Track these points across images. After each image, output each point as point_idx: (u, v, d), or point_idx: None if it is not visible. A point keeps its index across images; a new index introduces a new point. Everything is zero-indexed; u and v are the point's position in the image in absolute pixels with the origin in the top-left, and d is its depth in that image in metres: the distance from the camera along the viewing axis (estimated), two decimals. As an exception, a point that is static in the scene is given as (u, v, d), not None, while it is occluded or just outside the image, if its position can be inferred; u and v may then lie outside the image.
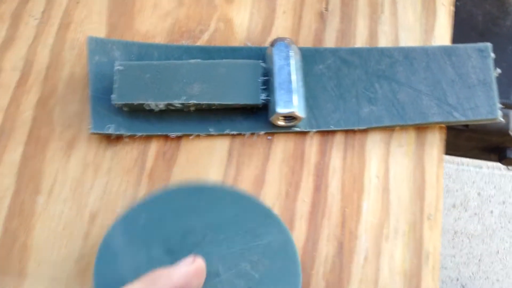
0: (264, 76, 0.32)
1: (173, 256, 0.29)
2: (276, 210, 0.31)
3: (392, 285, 0.29)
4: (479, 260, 1.14)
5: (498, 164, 1.19)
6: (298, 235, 0.30)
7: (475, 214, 1.17)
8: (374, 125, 0.31)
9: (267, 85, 0.32)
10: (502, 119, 0.30)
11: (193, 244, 0.29)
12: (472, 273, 1.13)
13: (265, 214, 0.30)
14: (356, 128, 0.32)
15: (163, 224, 0.30)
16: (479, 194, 1.19)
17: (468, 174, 1.22)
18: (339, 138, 0.33)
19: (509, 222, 1.17)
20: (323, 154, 0.32)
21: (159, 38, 0.36)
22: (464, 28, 0.35)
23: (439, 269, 0.28)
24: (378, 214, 0.30)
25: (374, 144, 0.32)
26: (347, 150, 0.32)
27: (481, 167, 1.21)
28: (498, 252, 1.14)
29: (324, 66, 0.33)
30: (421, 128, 0.32)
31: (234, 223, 0.30)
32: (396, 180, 0.31)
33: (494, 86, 0.31)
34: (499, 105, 0.31)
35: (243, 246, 0.29)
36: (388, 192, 0.31)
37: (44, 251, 0.31)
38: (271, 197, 0.31)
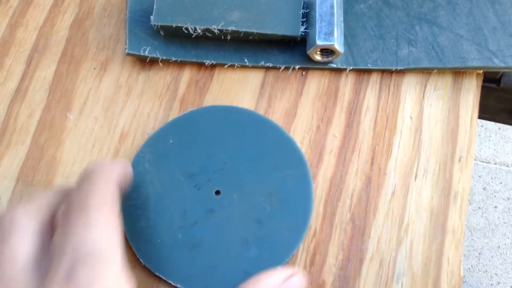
0: (305, 9, 0.32)
1: (193, 180, 0.30)
2: (306, 144, 0.31)
3: (418, 221, 0.29)
4: (480, 254, 1.14)
5: (506, 160, 1.19)
6: (327, 168, 0.30)
7: (479, 208, 1.18)
8: (412, 66, 0.31)
9: (307, 18, 0.32)
10: (542, 68, 0.30)
11: (213, 170, 0.30)
12: (472, 266, 1.14)
13: (290, 147, 0.31)
14: (393, 68, 0.32)
15: (188, 147, 0.31)
16: (484, 188, 1.19)
17: (475, 168, 1.22)
18: (375, 78, 0.32)
19: (512, 218, 1.17)
20: (358, 92, 0.32)
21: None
22: None
23: (467, 210, 0.28)
24: (408, 153, 0.30)
25: (410, 85, 0.32)
26: (382, 90, 0.32)
27: (488, 162, 1.21)
28: (499, 247, 1.15)
29: (365, 5, 0.33)
30: (458, 74, 0.32)
31: (257, 152, 0.31)
32: (430, 121, 0.31)
33: (537, 35, 0.31)
34: (540, 54, 0.30)
35: (260, 177, 0.30)
36: (421, 132, 0.31)
37: (72, 166, 0.32)
38: (301, 130, 0.31)
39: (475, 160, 1.17)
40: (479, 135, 1.20)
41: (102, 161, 0.25)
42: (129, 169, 0.26)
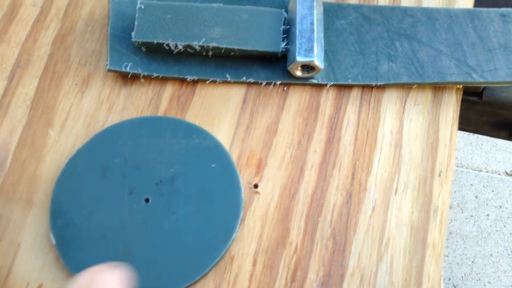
0: (286, 26, 0.32)
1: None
2: (287, 159, 0.31)
3: (399, 236, 0.29)
4: (472, 262, 1.14)
5: (497, 168, 1.19)
6: (308, 183, 0.30)
7: (471, 216, 1.18)
8: (392, 81, 0.32)
9: (288, 35, 0.32)
10: (520, 83, 0.30)
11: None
12: (464, 274, 1.14)
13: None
14: (374, 83, 0.32)
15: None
16: (476, 196, 1.20)
17: (467, 176, 1.22)
18: (355, 93, 0.33)
19: (504, 226, 1.17)
20: (338, 108, 0.32)
21: (182, -16, 0.36)
22: (486, 5, 0.35)
23: (447, 224, 0.28)
24: (389, 168, 0.30)
25: (390, 100, 0.32)
26: (362, 105, 0.32)
27: (480, 170, 1.21)
28: (491, 255, 1.15)
29: (345, 21, 0.33)
30: (438, 88, 0.32)
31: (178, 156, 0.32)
32: (410, 136, 0.31)
33: (515, 51, 0.31)
34: (518, 69, 0.31)
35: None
36: (401, 147, 0.31)
37: (53, 182, 0.31)
38: (283, 145, 0.32)
39: (466, 168, 1.17)
40: (470, 144, 1.20)
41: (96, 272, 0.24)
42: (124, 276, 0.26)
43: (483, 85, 0.32)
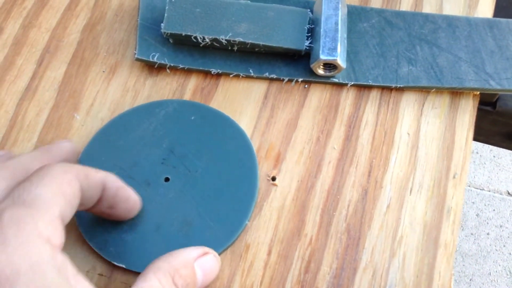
0: (310, 25, 0.33)
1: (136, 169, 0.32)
2: (305, 154, 0.32)
3: (411, 234, 0.30)
4: (470, 280, 1.14)
5: (499, 188, 1.20)
6: (325, 178, 0.31)
7: (472, 234, 1.18)
8: (411, 84, 0.32)
9: (312, 34, 0.33)
10: (536, 92, 0.31)
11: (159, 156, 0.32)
12: (462, 292, 1.14)
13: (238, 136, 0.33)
14: (393, 85, 0.33)
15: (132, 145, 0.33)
16: (477, 215, 1.20)
17: (468, 194, 1.23)
18: (375, 94, 0.33)
19: (504, 246, 1.17)
20: (357, 107, 0.33)
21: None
22: (505, 16, 0.36)
23: (459, 225, 0.29)
24: (404, 168, 0.31)
25: (408, 103, 0.33)
26: (381, 106, 0.33)
27: (482, 189, 1.22)
28: (490, 273, 1.15)
29: (368, 24, 0.34)
30: (455, 94, 0.33)
31: (205, 142, 0.33)
32: (426, 138, 0.32)
33: (532, 61, 0.32)
34: (534, 79, 0.31)
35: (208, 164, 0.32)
36: (417, 148, 0.32)
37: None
38: (302, 141, 0.32)
39: (469, 186, 1.18)
40: (474, 162, 1.21)
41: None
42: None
43: (499, 92, 0.33)
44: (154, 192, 0.31)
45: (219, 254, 0.30)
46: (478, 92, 0.34)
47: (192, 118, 0.33)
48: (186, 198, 0.31)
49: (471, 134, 0.33)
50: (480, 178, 1.18)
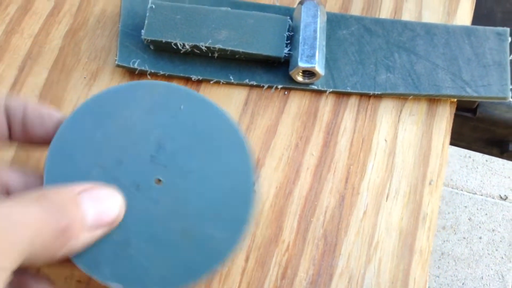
0: (290, 32, 0.33)
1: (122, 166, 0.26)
2: (284, 161, 0.32)
3: (387, 240, 0.30)
4: (463, 284, 1.15)
5: (492, 192, 1.20)
6: (303, 185, 0.31)
7: (464, 238, 1.18)
8: (389, 91, 0.33)
9: (291, 41, 0.33)
10: (511, 99, 0.32)
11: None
12: (454, 296, 1.14)
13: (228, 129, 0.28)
14: (371, 92, 0.33)
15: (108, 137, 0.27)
16: (469, 219, 1.20)
17: (461, 198, 1.23)
18: (353, 101, 0.34)
19: (496, 250, 1.17)
20: (336, 114, 0.33)
21: (192, -12, 0.37)
22: (483, 24, 0.36)
23: (435, 231, 0.29)
24: (381, 174, 0.31)
25: (386, 110, 0.33)
26: (359, 112, 0.33)
27: (474, 193, 1.22)
28: (482, 277, 1.15)
29: (347, 32, 0.34)
30: (433, 101, 0.34)
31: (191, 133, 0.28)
32: (403, 145, 0.32)
33: (508, 68, 0.32)
34: (510, 86, 0.32)
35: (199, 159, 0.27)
36: (394, 155, 0.32)
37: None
38: (280, 147, 0.33)
39: (461, 190, 1.18)
40: (466, 166, 1.21)
41: None
42: None
43: (476, 100, 0.33)
44: (145, 196, 0.26)
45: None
46: (455, 99, 0.34)
47: (182, 107, 0.28)
48: (182, 204, 0.26)
49: (447, 141, 0.33)
50: (472, 183, 1.18)
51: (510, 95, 0.32)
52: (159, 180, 0.26)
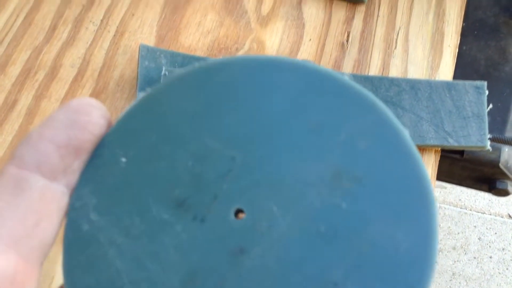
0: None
1: (187, 209, 0.16)
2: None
3: None
4: (475, 304, 1.15)
5: (501, 211, 1.22)
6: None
7: (475, 258, 1.20)
8: (378, 142, 0.36)
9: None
10: (490, 148, 0.35)
11: (215, 177, 0.16)
12: (466, 316, 1.15)
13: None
14: (363, 143, 0.36)
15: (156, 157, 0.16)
16: (479, 238, 1.22)
17: (470, 218, 1.24)
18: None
19: (507, 268, 1.18)
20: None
21: (200, 52, 0.42)
22: (467, 71, 0.40)
23: None
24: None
25: (377, 159, 0.37)
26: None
27: (483, 213, 1.24)
28: (493, 297, 1.16)
29: (340, 88, 0.38)
30: (419, 149, 0.37)
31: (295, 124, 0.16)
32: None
33: (486, 119, 0.36)
34: (488, 136, 0.35)
35: (310, 154, 0.16)
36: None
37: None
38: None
39: (470, 210, 1.20)
40: (473, 187, 1.23)
41: None
42: None
43: (457, 149, 0.37)
44: (216, 236, 0.15)
45: None
46: (439, 148, 0.37)
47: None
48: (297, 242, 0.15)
49: (433, 187, 0.36)
50: (481, 202, 1.20)
51: (488, 144, 0.36)
52: (240, 211, 0.16)
